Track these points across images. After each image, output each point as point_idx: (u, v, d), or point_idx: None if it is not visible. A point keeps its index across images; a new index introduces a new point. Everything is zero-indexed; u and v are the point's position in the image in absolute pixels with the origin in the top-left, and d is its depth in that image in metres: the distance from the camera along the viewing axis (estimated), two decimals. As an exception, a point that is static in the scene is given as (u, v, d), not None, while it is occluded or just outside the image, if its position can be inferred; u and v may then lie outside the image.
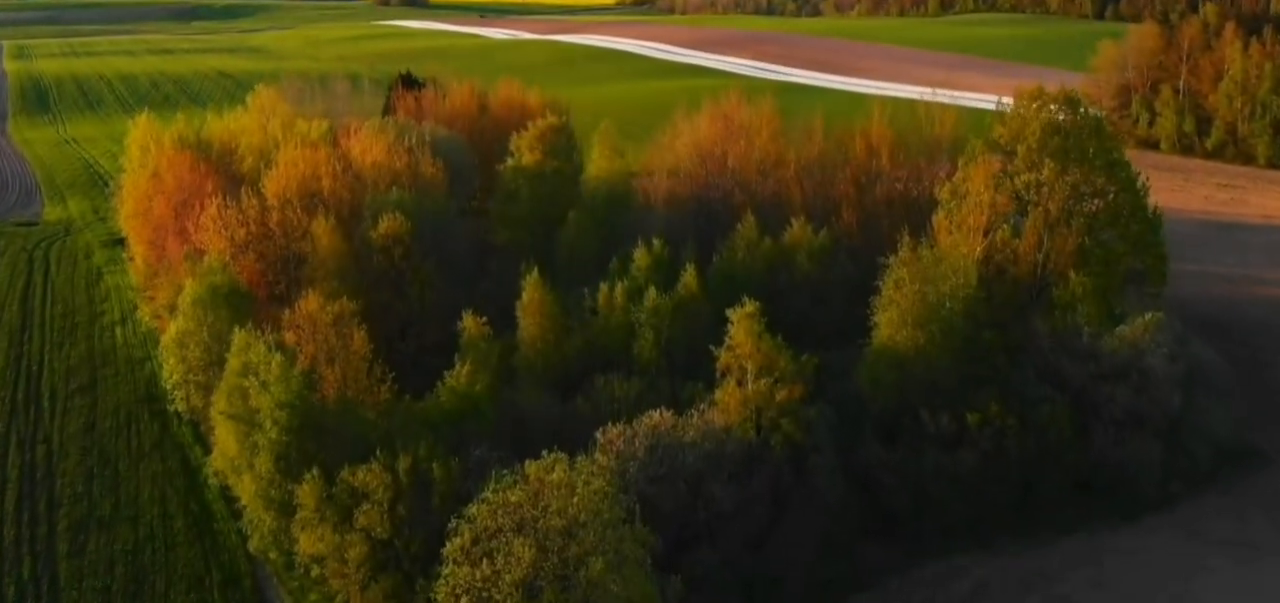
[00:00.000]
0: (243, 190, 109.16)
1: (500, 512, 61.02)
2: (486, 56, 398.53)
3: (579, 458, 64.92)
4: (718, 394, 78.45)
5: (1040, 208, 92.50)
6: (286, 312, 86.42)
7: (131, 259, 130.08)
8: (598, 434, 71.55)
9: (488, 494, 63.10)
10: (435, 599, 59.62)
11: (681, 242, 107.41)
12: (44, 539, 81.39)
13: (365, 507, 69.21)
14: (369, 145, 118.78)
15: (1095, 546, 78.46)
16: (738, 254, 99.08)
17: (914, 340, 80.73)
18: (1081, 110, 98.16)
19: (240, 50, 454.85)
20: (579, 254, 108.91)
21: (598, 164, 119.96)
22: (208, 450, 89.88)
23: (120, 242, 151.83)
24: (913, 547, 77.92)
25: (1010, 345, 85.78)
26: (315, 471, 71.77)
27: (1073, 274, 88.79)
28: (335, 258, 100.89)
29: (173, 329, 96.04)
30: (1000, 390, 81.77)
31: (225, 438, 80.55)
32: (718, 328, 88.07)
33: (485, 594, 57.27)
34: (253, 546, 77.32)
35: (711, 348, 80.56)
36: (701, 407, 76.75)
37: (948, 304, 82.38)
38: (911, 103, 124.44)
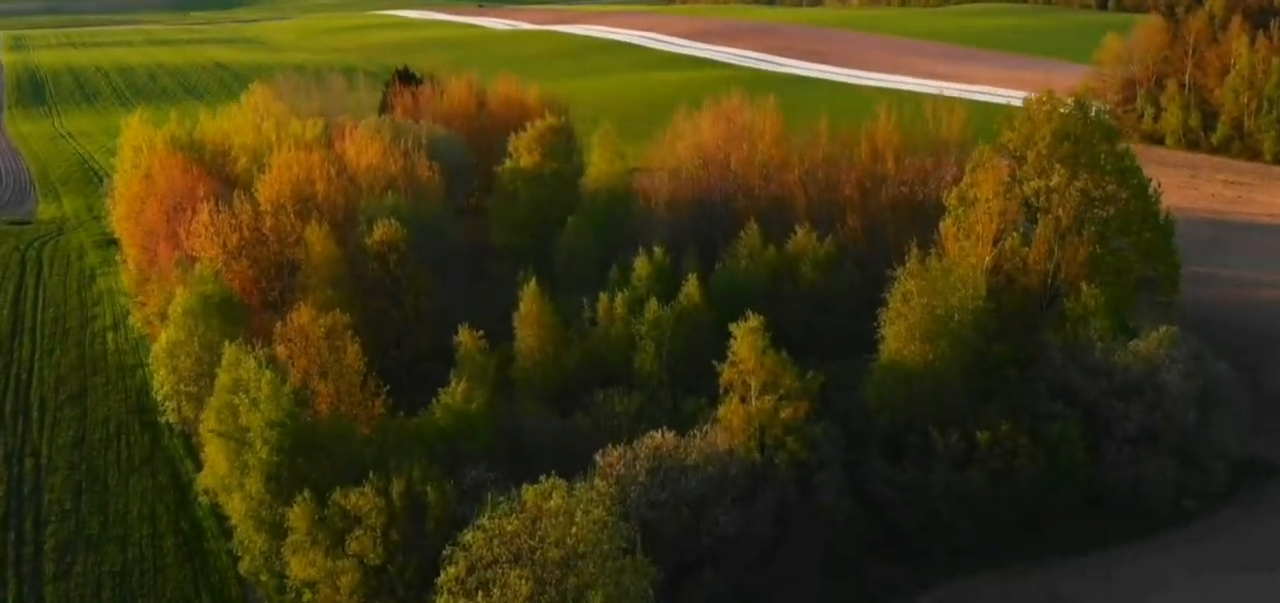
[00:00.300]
0: (236, 195, 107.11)
1: (496, 541, 59.05)
2: (485, 47, 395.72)
3: (578, 484, 62.96)
4: (721, 411, 76.48)
5: (1051, 216, 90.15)
6: (278, 324, 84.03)
7: (124, 263, 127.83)
8: (597, 457, 69.45)
9: (484, 521, 61.13)
10: (430, 632, 57.86)
11: (683, 248, 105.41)
12: (30, 560, 79.42)
13: (358, 533, 67.15)
14: (364, 148, 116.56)
15: (1108, 565, 76.49)
16: (741, 262, 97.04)
17: (922, 355, 78.57)
18: (1092, 114, 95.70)
19: (237, 41, 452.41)
20: (578, 260, 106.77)
21: (598, 167, 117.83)
22: (199, 464, 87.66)
23: (114, 242, 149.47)
24: (921, 568, 75.92)
25: (1020, 359, 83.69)
26: (307, 493, 69.63)
27: (1085, 286, 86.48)
28: (329, 265, 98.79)
29: (163, 339, 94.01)
30: (1010, 406, 79.76)
31: (215, 456, 78.39)
32: (720, 339, 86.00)
33: (481, 629, 55.44)
34: (243, 568, 75.24)
35: (714, 364, 78.32)
36: (704, 428, 74.62)
37: (956, 317, 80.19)
38: (916, 102, 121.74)
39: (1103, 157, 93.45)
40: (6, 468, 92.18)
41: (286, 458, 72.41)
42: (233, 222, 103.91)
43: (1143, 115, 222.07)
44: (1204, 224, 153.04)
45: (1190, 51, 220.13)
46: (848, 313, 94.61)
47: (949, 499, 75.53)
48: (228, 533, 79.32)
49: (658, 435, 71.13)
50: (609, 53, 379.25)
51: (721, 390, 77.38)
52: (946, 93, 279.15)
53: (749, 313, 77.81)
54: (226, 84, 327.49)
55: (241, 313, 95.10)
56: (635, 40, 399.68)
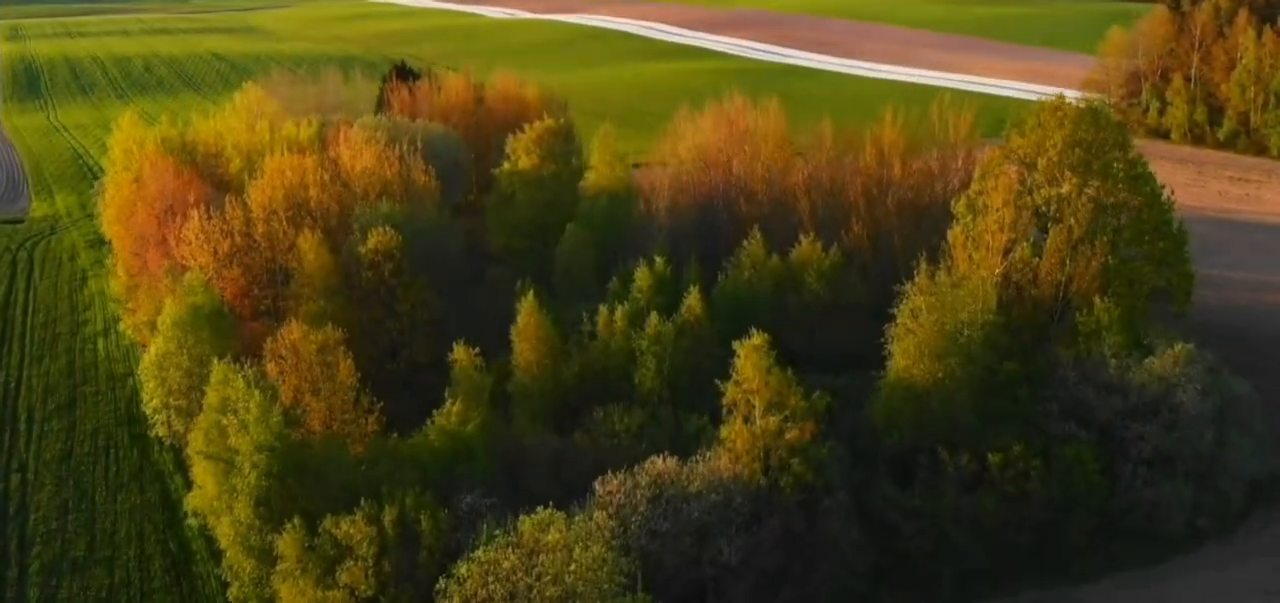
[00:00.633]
0: (227, 200, 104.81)
1: (492, 578, 56.94)
2: (484, 37, 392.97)
3: (577, 516, 60.81)
4: (724, 431, 74.15)
5: (1063, 225, 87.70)
6: (269, 340, 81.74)
7: (114, 268, 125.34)
8: (597, 485, 67.19)
9: (478, 554, 59.04)
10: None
11: (684, 256, 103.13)
12: (15, 584, 77.17)
13: (349, 562, 64.98)
14: (359, 151, 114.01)
15: (1121, 589, 74.29)
16: (743, 273, 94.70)
17: (931, 374, 76.31)
18: (1104, 120, 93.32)
19: (236, 30, 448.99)
20: (577, 268, 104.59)
21: (598, 170, 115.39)
22: (189, 480, 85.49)
23: (106, 241, 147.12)
24: (930, 593, 73.84)
25: (1032, 376, 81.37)
26: (297, 520, 67.47)
27: (1098, 300, 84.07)
28: (322, 274, 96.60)
29: (152, 351, 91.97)
30: (1022, 427, 77.52)
31: (203, 477, 76.19)
32: (723, 353, 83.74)
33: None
34: (232, 595, 72.76)
35: (717, 382, 75.91)
36: (706, 453, 72.30)
37: (966, 332, 77.84)
38: (922, 102, 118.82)
39: (1115, 164, 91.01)
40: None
41: (276, 482, 70.31)
42: (224, 227, 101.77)
43: (1148, 109, 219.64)
44: (1212, 224, 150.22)
45: (1196, 45, 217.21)
46: (853, 325, 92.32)
47: (959, 524, 73.36)
48: (217, 556, 77.17)
49: (659, 462, 68.87)
50: (608, 42, 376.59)
51: (724, 411, 74.98)
52: (949, 84, 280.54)
53: (753, 330, 75.29)
54: (224, 75, 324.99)
55: (232, 324, 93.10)
56: (635, 29, 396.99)
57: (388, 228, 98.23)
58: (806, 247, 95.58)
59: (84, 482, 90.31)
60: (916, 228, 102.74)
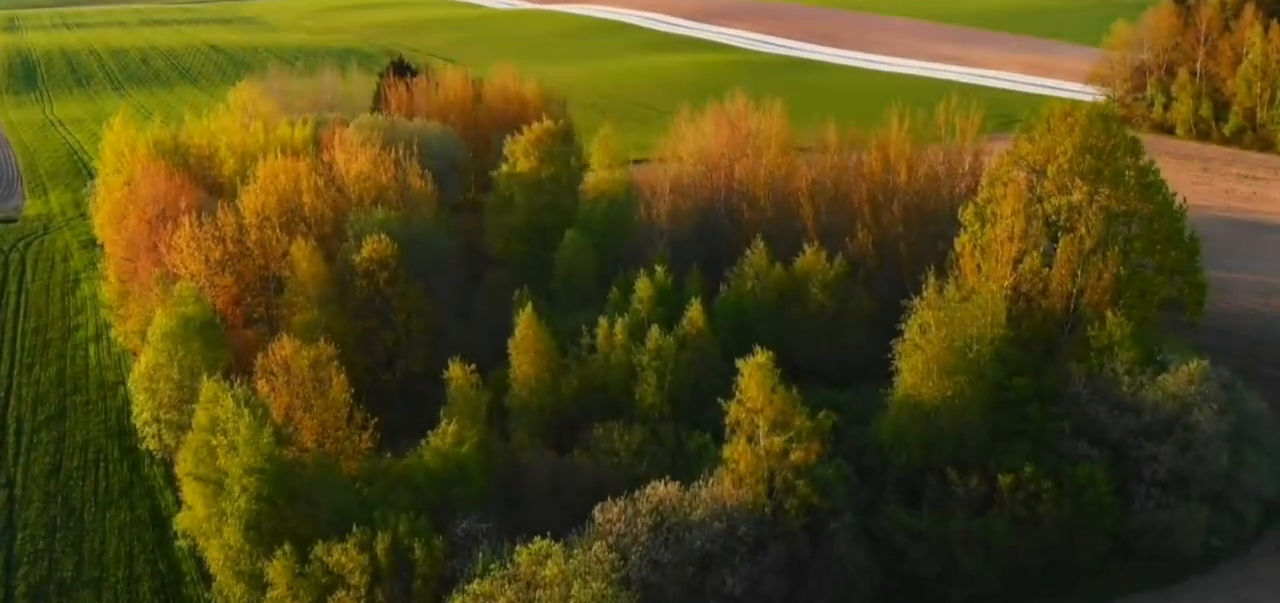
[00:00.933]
0: (219, 206, 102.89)
1: (487, 614, 55.14)
2: (485, 28, 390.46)
3: (575, 549, 58.90)
4: (727, 451, 72.16)
5: (1075, 235, 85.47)
6: (260, 356, 79.72)
7: (105, 275, 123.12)
8: (596, 513, 65.24)
9: (474, 586, 57.31)
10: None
11: (686, 262, 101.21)
12: (-1, 606, 75.49)
13: (340, 592, 63.19)
14: (354, 155, 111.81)
15: (1134, 611, 72.64)
16: (746, 283, 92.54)
17: (940, 392, 74.22)
18: (1115, 126, 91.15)
19: (234, 21, 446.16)
20: (576, 274, 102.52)
21: (598, 174, 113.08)
22: (179, 495, 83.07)
23: (99, 243, 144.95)
24: (939, 618, 71.99)
25: (1042, 393, 79.25)
26: (287, 546, 65.72)
27: (1110, 314, 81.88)
28: (316, 283, 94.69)
29: (142, 363, 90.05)
30: (1033, 445, 75.46)
31: (193, 498, 74.33)
32: (725, 367, 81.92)
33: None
34: (222, 621, 71.14)
35: (720, 401, 73.83)
36: (708, 475, 70.40)
37: (975, 347, 75.71)
38: (928, 104, 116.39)
39: (1127, 171, 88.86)
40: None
41: (266, 506, 68.54)
42: (216, 234, 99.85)
43: (1153, 104, 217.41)
44: (1219, 224, 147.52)
45: (1202, 39, 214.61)
46: (858, 337, 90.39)
47: (969, 547, 71.43)
48: (207, 579, 75.21)
49: (660, 487, 66.95)
50: (609, 34, 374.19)
51: (727, 430, 72.96)
52: (952, 77, 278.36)
53: (756, 347, 73.22)
54: (221, 67, 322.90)
55: (223, 335, 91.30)
56: (637, 21, 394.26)
57: (383, 236, 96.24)
58: (810, 256, 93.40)
59: (73, 498, 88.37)
60: (922, 234, 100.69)
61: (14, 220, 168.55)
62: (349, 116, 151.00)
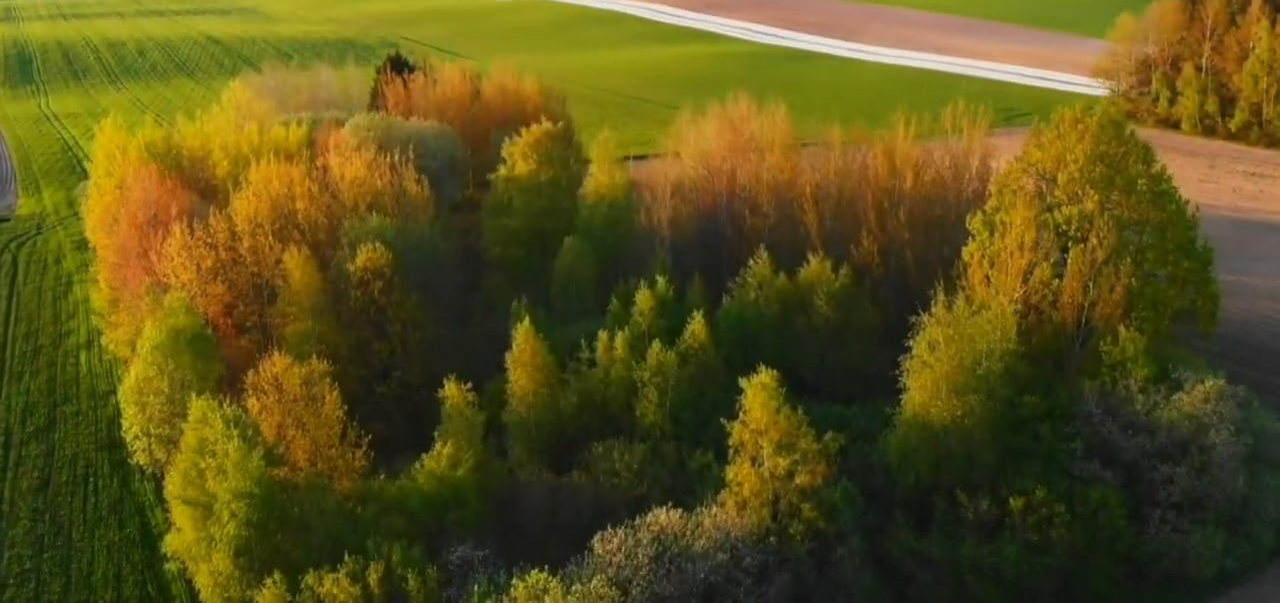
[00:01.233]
0: (211, 213, 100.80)
1: (483, 653, 53.24)
2: (484, 19, 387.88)
3: (574, 583, 56.95)
4: (730, 472, 70.35)
5: (1086, 246, 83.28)
6: (251, 373, 77.64)
7: (96, 280, 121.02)
8: (595, 543, 63.29)
9: (469, 621, 55.38)
10: None
11: (687, 269, 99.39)
12: (-16, 631, 73.62)
13: (332, 625, 61.25)
14: (349, 160, 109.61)
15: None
16: (750, 294, 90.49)
17: (950, 411, 72.14)
18: (1127, 132, 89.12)
19: (232, 12, 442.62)
20: (576, 281, 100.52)
21: (597, 178, 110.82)
22: (170, 512, 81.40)
23: (92, 245, 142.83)
24: (947, 645, 70.02)
25: (1054, 411, 77.20)
26: (278, 575, 63.85)
27: (1123, 329, 79.86)
28: (309, 293, 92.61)
29: (132, 377, 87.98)
30: (1044, 466, 73.47)
31: (182, 520, 72.38)
32: (728, 381, 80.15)
33: None
34: (212, 650, 69.14)
35: (723, 421, 71.84)
36: (711, 499, 68.52)
37: (985, 364, 73.63)
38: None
39: (1139, 180, 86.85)
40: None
41: (256, 531, 66.64)
42: (208, 241, 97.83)
43: (1158, 98, 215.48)
44: (1227, 225, 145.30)
45: (1208, 33, 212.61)
46: (864, 349, 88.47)
47: (979, 572, 69.63)
48: (197, 601, 73.14)
49: (662, 515, 65.05)
50: (608, 24, 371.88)
51: (731, 451, 71.00)
52: (954, 69, 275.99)
53: (761, 365, 71.28)
54: (218, 59, 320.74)
55: (214, 348, 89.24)
56: (636, 11, 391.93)
57: (378, 244, 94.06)
58: (815, 266, 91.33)
59: (61, 515, 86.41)
60: (929, 241, 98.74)
61: (7, 220, 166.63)
62: (345, 115, 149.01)
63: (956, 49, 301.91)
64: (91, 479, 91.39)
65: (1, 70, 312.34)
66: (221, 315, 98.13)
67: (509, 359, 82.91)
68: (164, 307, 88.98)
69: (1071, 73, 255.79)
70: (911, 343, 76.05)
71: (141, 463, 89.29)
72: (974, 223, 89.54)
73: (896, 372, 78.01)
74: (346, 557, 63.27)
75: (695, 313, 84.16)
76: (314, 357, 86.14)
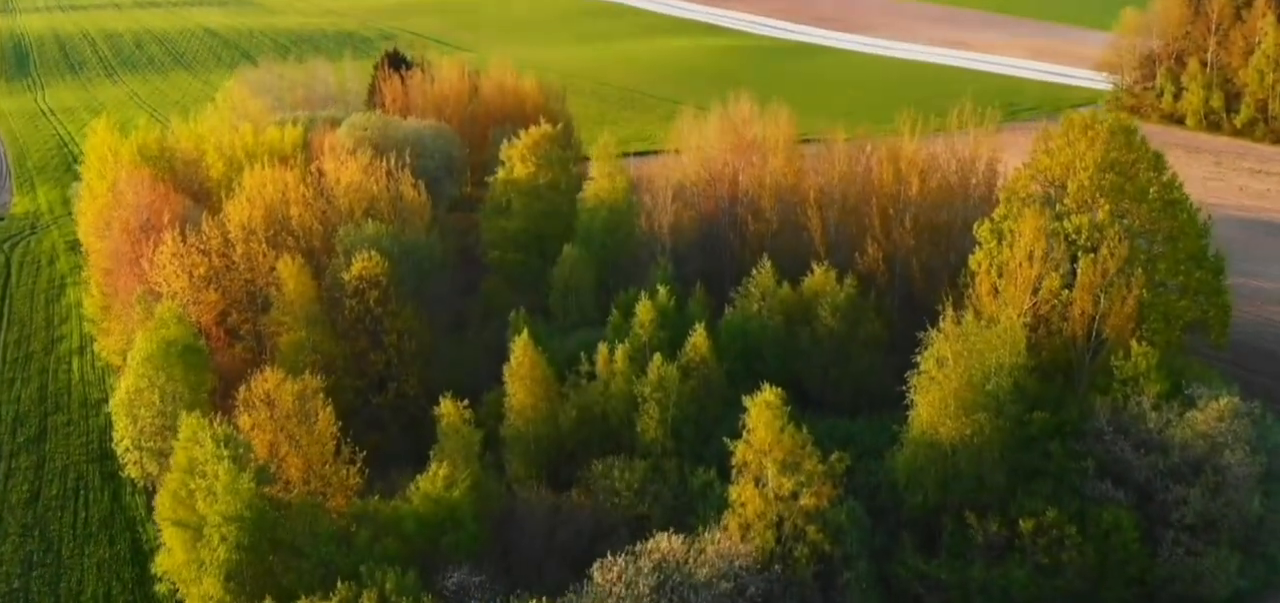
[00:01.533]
0: (204, 219, 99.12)
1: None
2: (482, 11, 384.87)
3: (573, 616, 55.39)
4: (733, 492, 68.79)
5: (1097, 257, 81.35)
6: (242, 389, 75.93)
7: (87, 285, 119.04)
8: (594, 572, 61.58)
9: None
10: None
11: (688, 275, 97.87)
12: (-30, 654, 71.99)
13: (324, 656, 59.59)
14: (344, 164, 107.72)
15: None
16: (753, 304, 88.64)
17: (959, 430, 70.34)
18: (1137, 139, 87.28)
19: (230, 2, 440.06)
20: (575, 289, 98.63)
21: (598, 183, 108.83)
22: (160, 527, 79.75)
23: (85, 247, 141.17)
24: (955, 668, 68.31)
25: (1064, 427, 75.44)
26: (269, 601, 62.12)
27: (1135, 343, 77.93)
28: (303, 303, 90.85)
29: (123, 389, 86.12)
30: (1055, 487, 71.74)
31: (172, 541, 70.71)
32: (731, 393, 78.84)
33: None
34: (202, 677, 67.41)
35: (727, 441, 70.19)
36: (714, 524, 66.85)
37: (994, 379, 71.85)
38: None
39: (1150, 189, 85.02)
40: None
41: (247, 555, 64.98)
42: (201, 247, 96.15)
43: (1162, 94, 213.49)
44: (1235, 225, 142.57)
45: (1213, 28, 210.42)
46: (870, 361, 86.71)
47: (988, 596, 67.93)
48: (187, 624, 71.54)
49: (663, 541, 63.35)
50: (610, 17, 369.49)
51: (734, 470, 69.34)
52: (956, 62, 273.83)
53: (764, 384, 69.59)
54: (216, 52, 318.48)
55: (206, 359, 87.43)
56: (638, 4, 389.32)
57: (373, 252, 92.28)
58: (819, 276, 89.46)
59: (51, 530, 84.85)
60: (934, 247, 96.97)
61: (1, 219, 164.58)
62: (341, 114, 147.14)
63: (960, 42, 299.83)
64: (82, 493, 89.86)
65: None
66: (215, 324, 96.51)
67: (507, 372, 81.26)
68: (155, 317, 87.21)
69: (1075, 66, 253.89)
70: (919, 358, 74.14)
71: (133, 476, 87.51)
72: (981, 231, 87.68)
73: (903, 384, 76.23)
74: (339, 584, 61.58)
75: (697, 325, 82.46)
76: (308, 369, 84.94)
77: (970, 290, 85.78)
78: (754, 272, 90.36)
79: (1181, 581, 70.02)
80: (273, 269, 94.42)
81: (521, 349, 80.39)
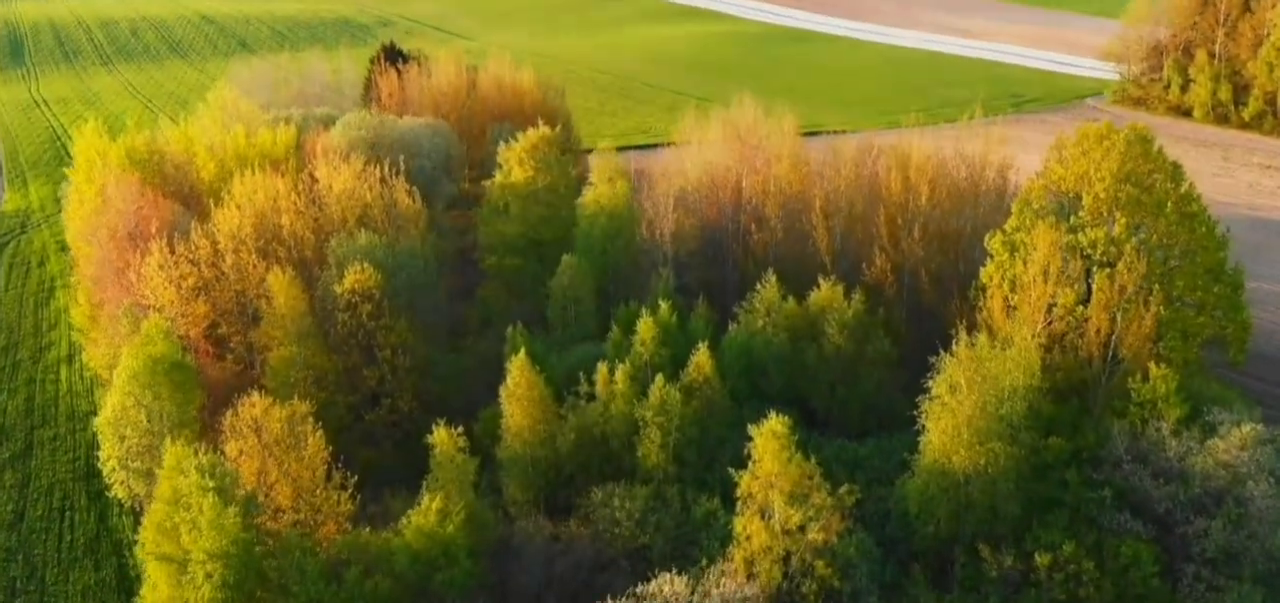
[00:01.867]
0: (193, 228, 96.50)
1: None
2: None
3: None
4: (738, 524, 66.28)
5: (1113, 273, 78.59)
6: (230, 414, 73.38)
7: (75, 294, 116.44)
8: (596, 617, 59.18)
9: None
10: None
11: (691, 287, 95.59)
12: (-53, 690, 69.56)
13: (312, 704, 57.17)
14: (336, 170, 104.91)
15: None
16: (757, 320, 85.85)
17: (972, 460, 67.67)
18: (1154, 148, 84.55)
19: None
20: (575, 302, 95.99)
21: (598, 189, 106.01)
22: (147, 552, 77.45)
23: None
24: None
25: (1080, 453, 72.83)
26: (255, 644, 59.81)
27: (1154, 366, 75.17)
28: (294, 317, 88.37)
29: (108, 408, 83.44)
30: (1071, 518, 69.13)
31: (157, 575, 68.07)
32: (735, 415, 76.62)
33: None
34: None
35: (731, 470, 67.74)
36: (719, 558, 64.39)
37: (1008, 404, 69.21)
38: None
39: (1168, 203, 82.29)
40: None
41: (233, 594, 62.51)
42: (190, 256, 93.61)
43: (1169, 85, 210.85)
44: (1246, 225, 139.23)
45: (1222, 19, 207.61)
46: (878, 382, 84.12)
47: (1002, 634, 65.40)
48: (174, 661, 69.02)
49: (666, 585, 60.75)
50: (608, 3, 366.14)
51: (739, 502, 66.81)
52: (956, 51, 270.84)
53: (769, 403, 67.16)
54: (212, 40, 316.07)
55: (194, 377, 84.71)
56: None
57: (366, 265, 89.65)
58: (826, 291, 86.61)
59: (35, 555, 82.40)
60: (944, 256, 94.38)
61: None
62: (336, 112, 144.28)
63: (960, 29, 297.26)
64: (67, 514, 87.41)
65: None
66: (204, 336, 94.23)
67: (503, 393, 78.62)
68: (142, 332, 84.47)
69: (1079, 54, 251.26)
70: (930, 381, 71.35)
71: (120, 497, 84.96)
72: (993, 243, 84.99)
73: (914, 408, 73.43)
74: (329, 626, 59.22)
75: (700, 344, 79.76)
76: (299, 385, 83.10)
77: (982, 305, 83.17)
78: (759, 286, 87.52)
79: (1200, 617, 67.45)
80: (263, 280, 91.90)
81: (518, 370, 77.77)
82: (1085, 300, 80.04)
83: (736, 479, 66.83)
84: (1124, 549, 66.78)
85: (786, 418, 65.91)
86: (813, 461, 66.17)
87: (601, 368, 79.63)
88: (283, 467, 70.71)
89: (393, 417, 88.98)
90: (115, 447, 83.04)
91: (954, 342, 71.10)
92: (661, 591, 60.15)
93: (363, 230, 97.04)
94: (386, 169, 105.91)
